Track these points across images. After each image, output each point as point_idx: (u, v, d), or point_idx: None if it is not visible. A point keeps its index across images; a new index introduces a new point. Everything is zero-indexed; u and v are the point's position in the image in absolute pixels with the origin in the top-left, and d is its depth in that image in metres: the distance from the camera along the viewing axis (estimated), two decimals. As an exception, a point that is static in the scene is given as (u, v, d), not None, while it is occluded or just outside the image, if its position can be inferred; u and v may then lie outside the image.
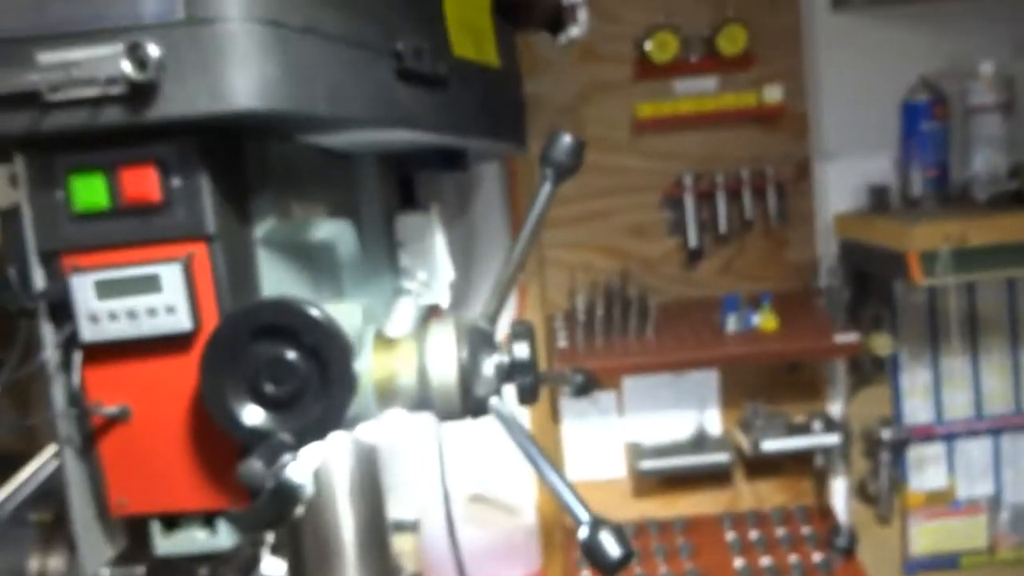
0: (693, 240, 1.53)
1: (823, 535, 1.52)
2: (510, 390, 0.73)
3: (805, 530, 1.53)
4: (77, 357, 0.66)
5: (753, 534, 1.54)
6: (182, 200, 0.62)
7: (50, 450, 0.75)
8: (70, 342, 0.66)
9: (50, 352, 0.67)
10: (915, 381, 1.57)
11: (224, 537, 0.70)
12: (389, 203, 1.09)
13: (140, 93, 0.56)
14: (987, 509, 1.60)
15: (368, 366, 0.71)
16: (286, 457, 0.61)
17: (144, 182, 0.61)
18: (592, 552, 0.62)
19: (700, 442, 1.58)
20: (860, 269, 1.49)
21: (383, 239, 1.07)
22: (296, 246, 0.77)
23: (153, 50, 0.54)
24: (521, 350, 0.72)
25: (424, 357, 0.72)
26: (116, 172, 0.61)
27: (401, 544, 1.57)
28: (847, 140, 1.51)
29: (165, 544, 0.71)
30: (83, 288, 0.63)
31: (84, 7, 0.56)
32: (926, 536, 1.61)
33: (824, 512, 1.57)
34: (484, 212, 1.57)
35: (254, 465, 0.56)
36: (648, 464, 1.52)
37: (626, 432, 1.60)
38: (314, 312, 0.61)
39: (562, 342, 1.47)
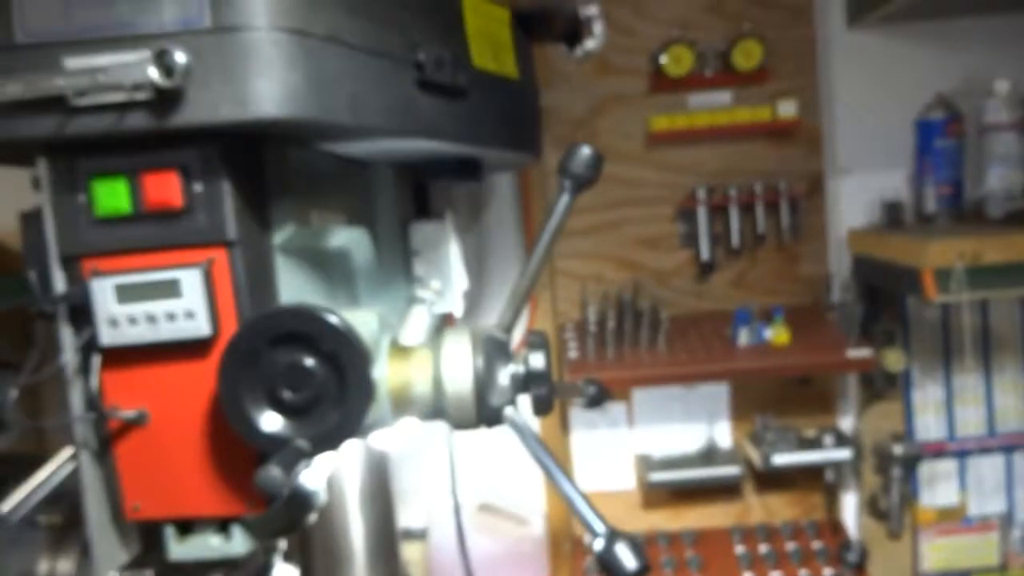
0: (705, 253, 1.53)
1: (833, 550, 1.51)
2: (524, 400, 0.74)
3: (815, 545, 1.52)
4: (96, 361, 0.66)
5: (763, 548, 1.53)
6: (203, 206, 0.62)
7: (65, 453, 0.75)
8: (89, 346, 0.66)
9: (69, 355, 0.67)
10: (927, 397, 1.56)
11: (238, 543, 0.70)
12: (404, 212, 1.10)
13: (165, 99, 0.57)
14: (999, 527, 1.59)
15: (384, 374, 0.71)
16: (302, 465, 0.61)
17: (166, 187, 0.61)
18: (608, 564, 0.62)
19: (710, 455, 1.57)
20: (873, 285, 1.48)
21: (398, 247, 1.07)
22: (313, 253, 0.77)
23: (180, 57, 0.55)
24: (537, 360, 0.73)
25: (439, 366, 0.72)
26: (139, 177, 0.62)
27: (409, 552, 1.57)
28: (861, 156, 1.51)
29: (179, 549, 0.71)
30: (103, 292, 0.64)
31: (112, 14, 0.57)
32: (937, 553, 1.59)
33: (835, 527, 1.56)
34: (497, 222, 1.57)
35: (273, 472, 0.57)
36: (658, 476, 1.52)
37: (636, 444, 1.60)
38: (332, 319, 0.61)
39: (573, 353, 1.47)
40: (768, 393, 1.57)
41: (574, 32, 1.14)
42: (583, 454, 1.60)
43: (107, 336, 0.64)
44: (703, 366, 1.40)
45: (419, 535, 1.60)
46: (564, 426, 1.60)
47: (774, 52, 1.49)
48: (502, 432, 0.74)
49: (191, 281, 0.62)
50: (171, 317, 0.63)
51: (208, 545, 0.70)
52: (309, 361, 0.61)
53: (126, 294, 0.63)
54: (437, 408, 0.73)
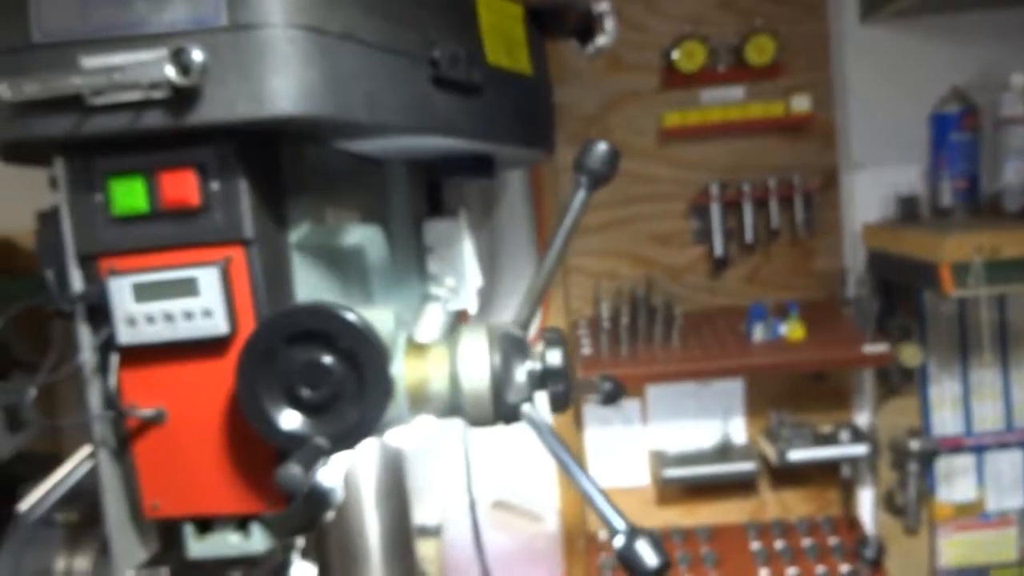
0: (719, 249, 1.53)
1: (850, 546, 1.50)
2: (541, 397, 0.73)
3: (832, 541, 1.51)
4: (114, 359, 0.66)
5: (778, 544, 1.52)
6: (220, 204, 0.62)
7: (83, 452, 0.76)
8: (107, 345, 0.66)
9: (87, 354, 0.67)
10: (944, 392, 1.55)
11: (257, 541, 0.70)
12: (418, 209, 1.09)
13: (182, 98, 0.57)
14: (1017, 522, 1.57)
15: (400, 372, 0.71)
16: (321, 462, 0.61)
17: (183, 186, 0.61)
18: (629, 561, 0.62)
19: (725, 451, 1.57)
20: (888, 280, 1.47)
21: (411, 245, 1.07)
22: (328, 251, 0.77)
23: (197, 55, 0.55)
24: (554, 357, 0.72)
25: (456, 363, 0.72)
26: (155, 176, 0.62)
27: (423, 549, 1.57)
28: (875, 150, 1.50)
29: (198, 547, 0.71)
30: (121, 291, 0.64)
31: (128, 13, 0.57)
32: (955, 548, 1.58)
33: (851, 523, 1.56)
34: (508, 219, 1.57)
35: (293, 470, 0.56)
36: (672, 472, 1.51)
37: (650, 440, 1.60)
38: (350, 316, 0.61)
39: (586, 350, 1.46)
40: (783, 389, 1.56)
41: (586, 28, 1.13)
42: (597, 451, 1.59)
43: (125, 335, 0.64)
44: (717, 362, 1.40)
45: (433, 532, 1.60)
46: (578, 423, 1.60)
47: (787, 47, 1.48)
48: (517, 429, 0.74)
49: (208, 279, 0.62)
50: (189, 316, 0.63)
51: (227, 543, 0.70)
52: (327, 359, 0.61)
53: (144, 293, 0.63)
54: (454, 405, 0.72)
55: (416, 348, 0.74)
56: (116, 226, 0.63)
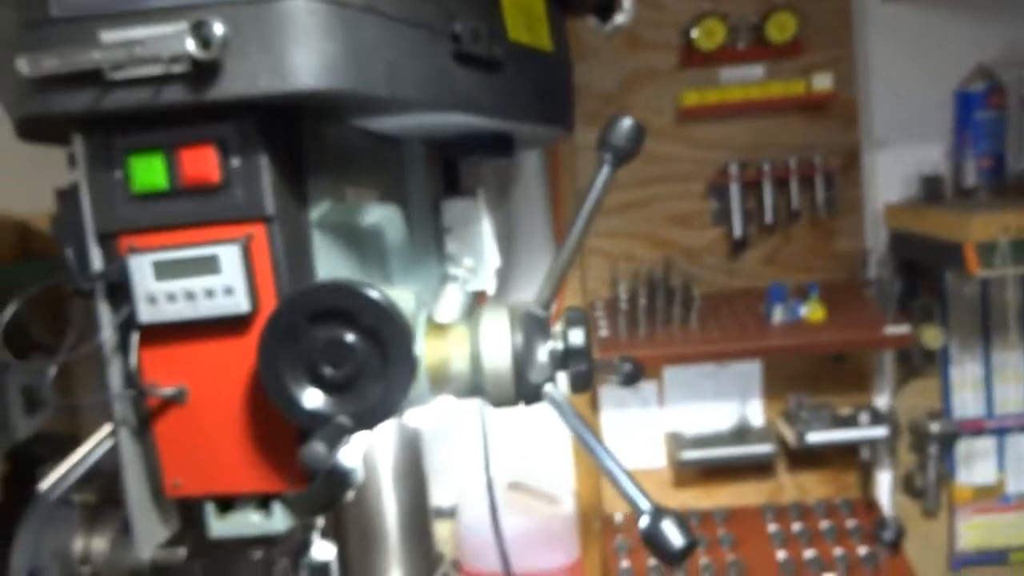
0: (738, 230, 1.51)
1: (868, 528, 1.49)
2: (562, 377, 0.73)
3: (850, 523, 1.51)
4: (134, 338, 0.66)
5: (796, 526, 1.52)
6: (241, 180, 0.61)
7: (104, 431, 0.76)
8: (127, 323, 0.66)
9: (107, 333, 0.67)
10: (965, 374, 1.53)
11: (279, 520, 0.69)
12: (435, 189, 1.09)
13: (203, 72, 0.56)
14: (1038, 505, 1.57)
15: (421, 351, 0.70)
16: (344, 441, 0.60)
17: (204, 162, 0.60)
18: (654, 541, 0.61)
19: (742, 433, 1.56)
20: (910, 260, 1.45)
21: (429, 225, 1.06)
22: (347, 231, 0.77)
23: (218, 28, 0.54)
24: (577, 336, 0.71)
25: (477, 343, 0.71)
26: (175, 152, 0.61)
27: (438, 531, 1.57)
28: (898, 129, 1.48)
29: (220, 526, 0.71)
30: (141, 269, 0.63)
31: (148, -15, 0.56)
32: (974, 531, 1.57)
33: (870, 505, 1.55)
34: (525, 200, 1.56)
35: (317, 448, 0.56)
36: (689, 454, 1.51)
37: (667, 422, 1.59)
38: (373, 294, 0.60)
39: (603, 332, 1.46)
40: (802, 371, 1.55)
41: (605, 6, 1.12)
42: (613, 433, 1.59)
43: (146, 313, 0.64)
44: (736, 344, 1.39)
45: (448, 513, 1.60)
46: (594, 405, 1.59)
47: (808, 24, 1.46)
48: (534, 410, 0.74)
49: (230, 257, 0.62)
50: (210, 294, 0.62)
51: (248, 522, 0.70)
52: (350, 337, 0.60)
53: (164, 271, 0.63)
54: (475, 385, 0.72)
55: (436, 328, 0.73)
56: (136, 203, 0.63)
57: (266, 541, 0.83)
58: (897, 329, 1.33)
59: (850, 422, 1.47)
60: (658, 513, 0.62)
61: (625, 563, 1.49)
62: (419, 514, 1.01)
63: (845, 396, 1.54)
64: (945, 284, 1.49)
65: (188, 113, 0.59)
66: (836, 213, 1.50)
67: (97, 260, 0.66)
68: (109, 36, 0.56)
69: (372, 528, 0.97)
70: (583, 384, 0.72)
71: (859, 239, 1.51)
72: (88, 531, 1.20)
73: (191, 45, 0.54)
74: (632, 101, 1.51)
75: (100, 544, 1.19)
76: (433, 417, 0.87)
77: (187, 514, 0.76)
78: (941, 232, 1.26)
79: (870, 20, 1.45)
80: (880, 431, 1.45)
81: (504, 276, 1.46)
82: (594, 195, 0.70)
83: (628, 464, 0.67)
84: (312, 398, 0.61)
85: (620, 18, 1.13)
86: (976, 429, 1.54)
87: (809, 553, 1.46)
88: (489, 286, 1.11)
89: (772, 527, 1.52)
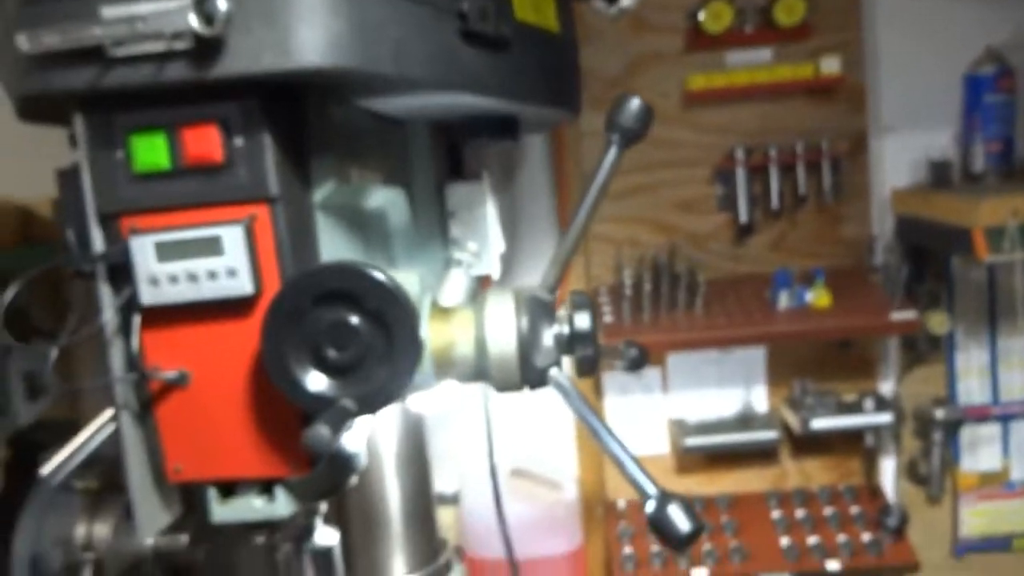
0: (744, 215, 1.50)
1: (872, 515, 1.49)
2: (567, 362, 0.72)
3: (854, 510, 1.50)
4: (136, 320, 0.65)
5: (800, 513, 1.51)
6: (244, 160, 0.60)
7: (105, 415, 0.75)
8: (129, 305, 0.65)
9: (108, 315, 0.66)
10: (970, 360, 1.53)
11: (281, 505, 0.69)
12: (439, 172, 1.08)
13: (206, 48, 0.54)
14: (1044, 492, 1.56)
15: (426, 335, 0.69)
16: (348, 425, 0.60)
17: (206, 142, 0.59)
18: (661, 526, 0.60)
19: (746, 419, 1.55)
20: (917, 246, 1.44)
21: (433, 209, 1.05)
22: (351, 213, 0.76)
23: (222, 4, 0.53)
24: (582, 320, 0.71)
25: (482, 327, 0.70)
26: (177, 131, 0.60)
27: (441, 517, 1.57)
28: (906, 114, 1.47)
29: (222, 511, 0.70)
30: (143, 250, 0.62)
31: (149, -40, 0.55)
32: (978, 518, 1.57)
33: (873, 492, 1.54)
34: (529, 184, 1.55)
35: (321, 431, 0.55)
36: (693, 441, 1.50)
37: (670, 408, 1.58)
38: (379, 276, 0.59)
39: (608, 317, 1.45)
40: (806, 357, 1.54)
41: (614, -14, 1.10)
42: (617, 419, 1.58)
43: (148, 295, 0.63)
44: (741, 330, 1.38)
45: (451, 500, 1.60)
46: (598, 391, 1.58)
47: (816, 7, 1.44)
48: (537, 396, 0.73)
49: (233, 238, 0.61)
50: (212, 275, 0.61)
51: (251, 507, 0.69)
52: (354, 319, 0.60)
53: (166, 252, 0.62)
54: (480, 370, 0.71)
55: (441, 312, 0.73)
56: (137, 184, 0.62)
57: (268, 526, 0.82)
58: (903, 315, 1.33)
59: (855, 408, 1.46)
60: (664, 498, 0.61)
61: (628, 549, 1.49)
62: (422, 500, 1.00)
63: (850, 382, 1.53)
64: (952, 270, 1.48)
65: (191, 91, 0.58)
66: (843, 198, 1.49)
67: (98, 241, 0.65)
68: (110, 12, 0.55)
69: (375, 514, 0.96)
70: (589, 368, 0.72)
71: (866, 225, 1.50)
72: (90, 517, 1.20)
73: (194, 21, 0.53)
74: (637, 85, 1.49)
75: (102, 530, 1.19)
76: (436, 402, 0.86)
77: (189, 499, 0.76)
78: (949, 217, 1.25)
79: (879, 3, 1.44)
80: (884, 417, 1.44)
81: (508, 261, 1.45)
82: (601, 177, 0.69)
83: (632, 451, 0.66)
84: (316, 381, 0.60)
85: (627, 0, 1.11)
86: (981, 415, 1.53)
87: (813, 539, 1.46)
88: (494, 270, 1.10)
89: (776, 513, 1.52)
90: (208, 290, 0.62)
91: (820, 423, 1.44)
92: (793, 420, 1.48)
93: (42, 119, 0.68)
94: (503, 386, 0.71)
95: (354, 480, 0.76)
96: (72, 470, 0.86)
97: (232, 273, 0.61)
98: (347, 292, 0.60)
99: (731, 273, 1.53)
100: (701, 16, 1.43)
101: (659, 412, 1.59)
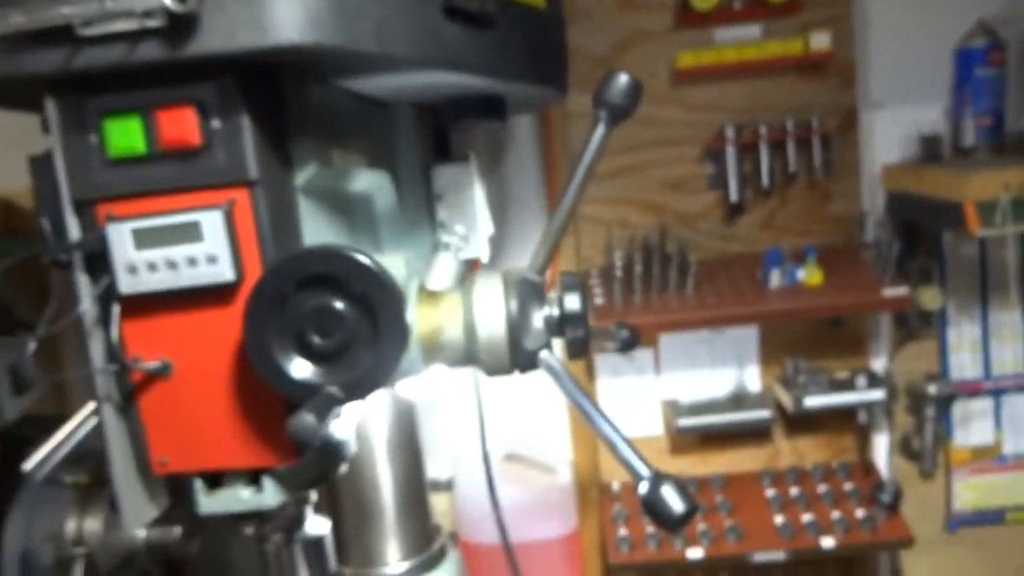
0: (734, 194, 1.48)
1: (866, 491, 1.49)
2: (557, 344, 0.71)
3: (847, 486, 1.50)
4: (115, 310, 0.64)
5: (794, 491, 1.51)
6: (222, 143, 0.59)
7: (88, 408, 0.73)
8: (107, 294, 0.63)
9: (86, 305, 0.65)
10: (962, 335, 1.52)
11: (269, 495, 0.68)
12: (425, 155, 1.06)
13: (179, 27, 0.53)
14: (1036, 465, 1.56)
15: (413, 320, 0.68)
16: (334, 412, 0.58)
17: (182, 124, 0.58)
18: (654, 507, 0.60)
19: (739, 399, 1.55)
20: (908, 222, 1.44)
21: (420, 192, 1.04)
22: (335, 196, 0.74)
23: (193, -22, 0.51)
24: (572, 302, 0.69)
25: (471, 310, 0.69)
26: (152, 114, 0.58)
27: (435, 503, 1.56)
28: (896, 89, 1.45)
29: (208, 503, 0.69)
30: (120, 237, 0.61)
31: (117, -65, 0.53)
32: (971, 492, 1.57)
33: (866, 468, 1.54)
34: (517, 166, 1.53)
35: (306, 419, 0.54)
36: (686, 421, 1.50)
37: (663, 390, 1.58)
38: (363, 260, 0.58)
39: (599, 299, 1.44)
40: (798, 335, 1.53)
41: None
42: (610, 401, 1.58)
43: (126, 284, 0.61)
44: (733, 309, 1.37)
45: (445, 486, 1.59)
46: (590, 374, 1.57)
47: (805, -19, 1.42)
48: (529, 380, 0.72)
49: (212, 223, 0.59)
50: (192, 262, 0.60)
51: (238, 498, 0.68)
52: (339, 304, 0.58)
53: (144, 239, 0.60)
54: (469, 354, 0.70)
55: (429, 296, 0.71)
56: (113, 169, 0.60)
57: (258, 517, 0.81)
58: (895, 291, 1.32)
59: (847, 386, 1.45)
60: (657, 479, 0.60)
61: (623, 531, 1.49)
62: (415, 487, 0.99)
63: (842, 360, 1.53)
64: (943, 245, 1.48)
65: (165, 72, 0.57)
66: (833, 175, 1.48)
67: (74, 230, 0.63)
68: (78, -10, 0.53)
69: (368, 502, 0.95)
70: (580, 350, 0.70)
71: (856, 201, 1.49)
72: (81, 512, 1.18)
73: (165, -2, 0.51)
74: (626, 63, 1.47)
75: (93, 525, 1.18)
76: (427, 388, 0.85)
77: (180, 491, 0.74)
78: (940, 192, 1.24)
79: (868, -24, 1.42)
80: (877, 394, 1.44)
81: (497, 244, 1.44)
82: (589, 154, 0.68)
83: (625, 432, 0.65)
84: (300, 368, 0.59)
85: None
86: (973, 390, 1.53)
87: (807, 517, 1.46)
88: (482, 254, 1.09)
89: (770, 492, 1.52)
90: (188, 277, 0.61)
91: (813, 401, 1.43)
92: (786, 399, 1.47)
93: (13, 104, 0.66)
94: (493, 370, 0.70)
95: (344, 468, 0.75)
96: (60, 464, 0.84)
97: (212, 259, 0.60)
98: (331, 276, 0.58)
99: (722, 252, 1.52)
100: (689, -8, 1.42)
101: (652, 393, 1.58)
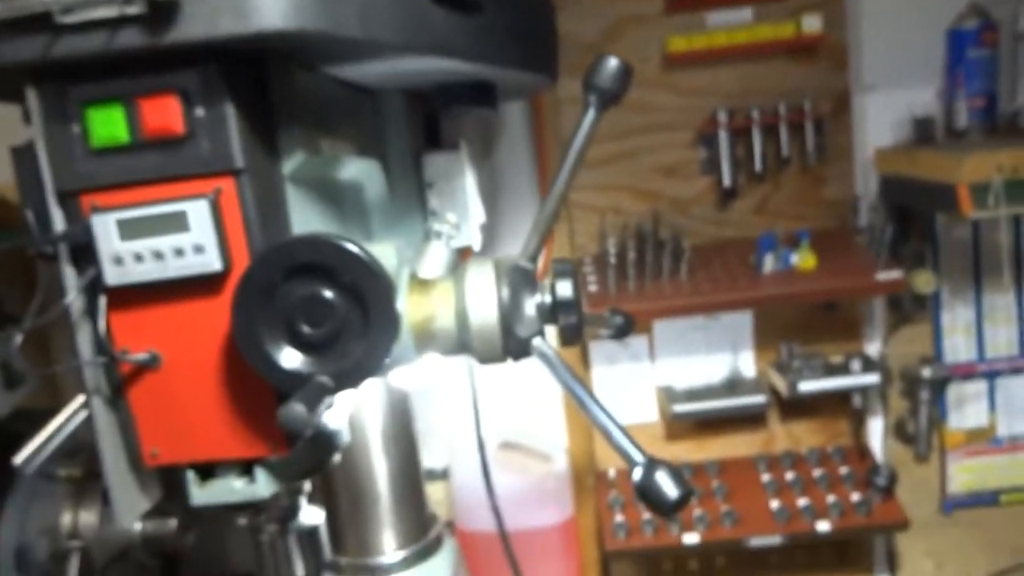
0: (727, 179, 1.48)
1: (861, 475, 1.49)
2: (551, 331, 0.70)
3: (843, 470, 1.50)
4: (102, 302, 0.63)
5: (789, 475, 1.51)
6: (207, 131, 0.58)
7: (77, 401, 0.73)
8: (94, 286, 0.63)
9: (72, 297, 0.64)
10: (956, 318, 1.52)
11: (262, 486, 0.67)
12: (416, 143, 1.05)
13: (160, 13, 0.52)
14: (1030, 447, 1.57)
15: (404, 309, 0.68)
16: (326, 402, 0.58)
17: (165, 112, 0.57)
18: (649, 493, 0.59)
19: (734, 385, 1.55)
20: (901, 205, 1.43)
21: (411, 180, 1.03)
22: (324, 185, 0.73)
23: (173, -37, 0.50)
24: (565, 288, 0.69)
25: (463, 298, 0.69)
26: (135, 103, 0.58)
27: (432, 492, 1.56)
28: (888, 71, 1.45)
29: (201, 494, 0.68)
30: (105, 228, 0.60)
31: (96, -81, 0.52)
32: (966, 474, 1.58)
33: (862, 452, 1.54)
34: (509, 154, 1.52)
35: (296, 408, 0.53)
36: (681, 408, 1.49)
37: (658, 376, 1.58)
38: (352, 248, 0.57)
39: (592, 287, 1.43)
40: (793, 320, 1.53)
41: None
42: (605, 389, 1.57)
43: (112, 275, 0.61)
44: (726, 295, 1.37)
45: (441, 475, 1.59)
46: (585, 362, 1.57)
47: (797, -37, 1.41)
48: (524, 368, 0.71)
49: (198, 213, 0.58)
50: (179, 253, 0.59)
51: (231, 489, 0.68)
52: (328, 293, 0.58)
53: (130, 230, 0.59)
54: (462, 342, 0.69)
55: (420, 284, 0.71)
56: (96, 159, 0.59)
57: (251, 507, 0.81)
58: (889, 275, 1.32)
59: (842, 370, 1.45)
60: (652, 465, 0.60)
61: (619, 518, 1.49)
62: (410, 476, 0.99)
63: (836, 344, 1.52)
64: (936, 228, 1.48)
65: (147, 60, 0.56)
66: (826, 159, 1.47)
67: (59, 221, 0.62)
68: (56, -24, 0.52)
69: (363, 492, 0.95)
70: (573, 337, 0.70)
71: (849, 185, 1.49)
72: (75, 506, 1.18)
73: (145, -17, 0.51)
74: (616, 49, 1.46)
75: (88, 518, 1.18)
76: (420, 377, 0.85)
77: (175, 484, 0.74)
78: (933, 174, 1.24)
79: (860, -43, 1.41)
80: (872, 378, 1.44)
81: (489, 233, 1.43)
82: (580, 140, 0.68)
83: (620, 419, 0.65)
84: (290, 358, 0.58)
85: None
86: (967, 373, 1.53)
87: (803, 501, 1.46)
88: (474, 242, 1.08)
89: (765, 477, 1.52)
90: (175, 268, 0.60)
91: (807, 386, 1.43)
92: (781, 384, 1.47)
93: (-5, 95, 0.65)
94: (486, 358, 0.70)
95: (337, 458, 0.75)
96: (54, 459, 0.84)
97: (199, 249, 0.59)
98: (320, 265, 0.58)
99: (715, 238, 1.52)
100: (679, -24, 1.41)
101: (647, 380, 1.58)
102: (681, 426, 1.59)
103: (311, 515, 0.88)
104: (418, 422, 1.00)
